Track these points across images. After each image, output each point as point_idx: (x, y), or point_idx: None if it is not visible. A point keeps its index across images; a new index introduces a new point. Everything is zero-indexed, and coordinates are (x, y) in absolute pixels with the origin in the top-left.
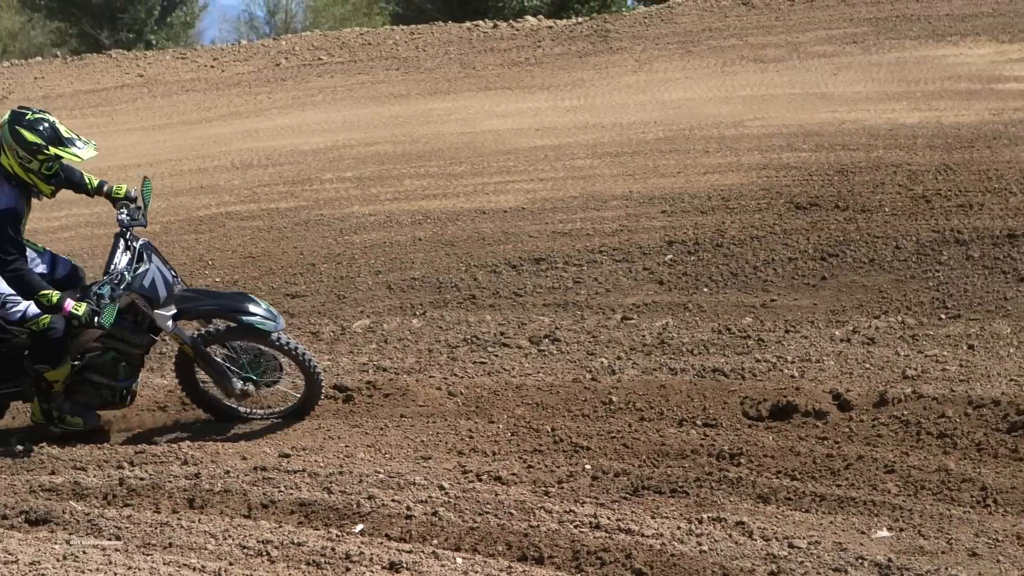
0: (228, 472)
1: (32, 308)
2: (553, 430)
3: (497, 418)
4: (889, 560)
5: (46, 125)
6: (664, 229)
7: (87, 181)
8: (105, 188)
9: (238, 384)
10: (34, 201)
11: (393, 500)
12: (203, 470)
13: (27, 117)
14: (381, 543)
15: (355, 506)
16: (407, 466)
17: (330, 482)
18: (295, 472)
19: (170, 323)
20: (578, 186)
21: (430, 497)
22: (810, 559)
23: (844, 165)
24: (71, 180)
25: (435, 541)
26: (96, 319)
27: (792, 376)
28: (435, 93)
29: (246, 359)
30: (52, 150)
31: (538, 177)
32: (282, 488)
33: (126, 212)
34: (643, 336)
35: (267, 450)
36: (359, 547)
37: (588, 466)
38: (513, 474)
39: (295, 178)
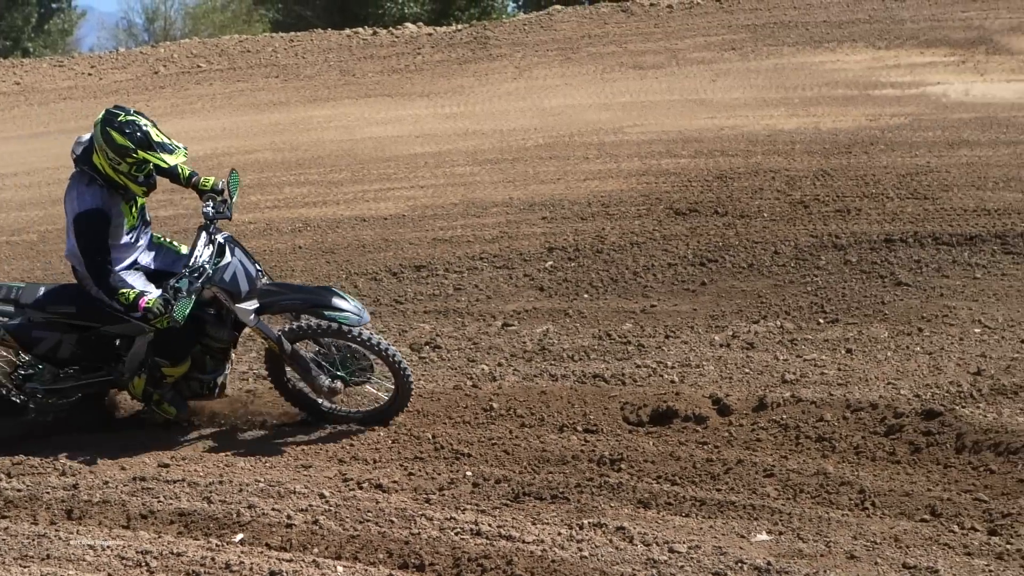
0: (107, 483)
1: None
2: (434, 437)
3: (378, 426)
4: (768, 563)
5: (137, 127)
6: (544, 235)
7: (180, 171)
8: (193, 179)
9: (325, 381)
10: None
11: (273, 509)
12: (81, 481)
13: (119, 119)
14: (261, 552)
15: (235, 515)
16: (287, 475)
17: (210, 491)
18: (174, 482)
19: (252, 317)
20: (458, 193)
21: (310, 506)
22: (690, 563)
23: (723, 171)
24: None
25: (316, 550)
26: (170, 312)
27: (672, 381)
28: (315, 100)
29: (337, 356)
30: (140, 154)
31: (418, 184)
32: (161, 498)
33: (211, 205)
34: (524, 342)
35: (146, 460)
36: (239, 556)
37: (469, 473)
38: (394, 482)
39: (173, 186)
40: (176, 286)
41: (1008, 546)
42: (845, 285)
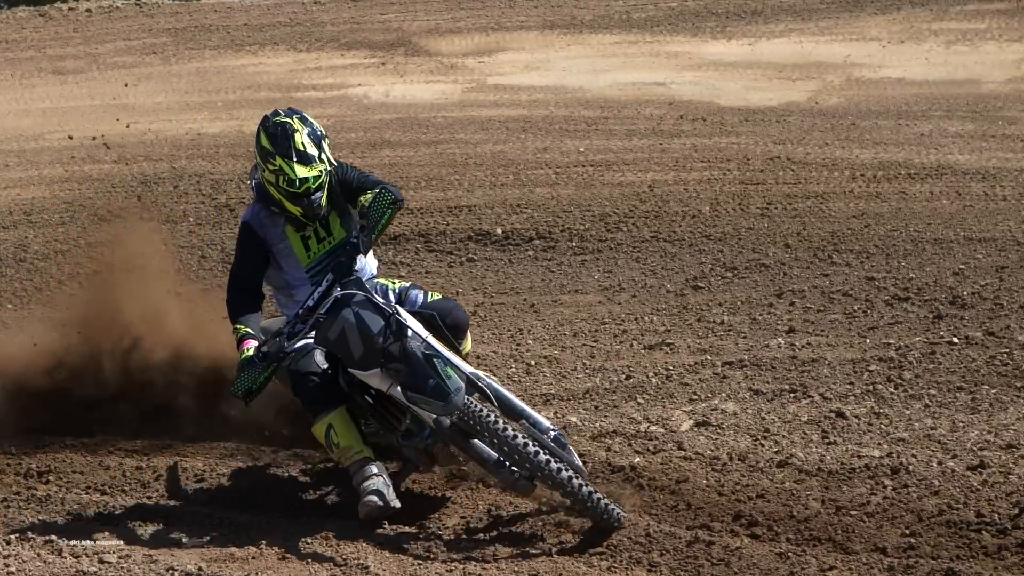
0: None
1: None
2: None
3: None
4: (200, 568)
5: (284, 129)
6: None
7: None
8: (361, 196)
9: (509, 476)
10: None
11: None
12: None
13: (274, 119)
14: None
15: None
16: None
17: None
18: None
19: (382, 384)
20: None
21: None
22: (121, 573)
23: (148, 176)
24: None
25: None
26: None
27: None
28: None
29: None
30: (278, 160)
31: None
32: None
33: (354, 234)
34: None
35: None
36: None
37: None
38: None
39: None
40: (265, 351)
41: None
42: None
